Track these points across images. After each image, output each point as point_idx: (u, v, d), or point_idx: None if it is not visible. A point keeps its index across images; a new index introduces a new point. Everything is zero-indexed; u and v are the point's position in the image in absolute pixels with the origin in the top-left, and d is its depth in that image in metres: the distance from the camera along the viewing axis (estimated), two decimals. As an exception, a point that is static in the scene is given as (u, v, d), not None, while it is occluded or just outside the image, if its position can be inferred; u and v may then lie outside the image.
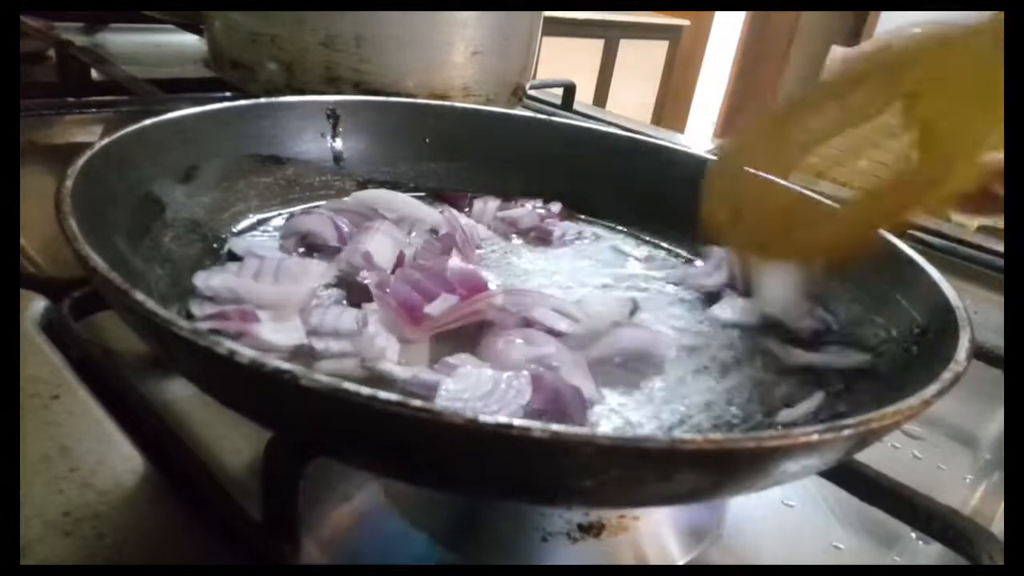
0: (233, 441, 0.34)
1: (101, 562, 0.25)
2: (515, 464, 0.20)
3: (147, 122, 0.38)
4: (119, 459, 0.30)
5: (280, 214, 0.46)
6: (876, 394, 0.33)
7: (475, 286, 0.38)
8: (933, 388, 0.25)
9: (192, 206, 0.40)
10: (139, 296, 0.22)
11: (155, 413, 0.33)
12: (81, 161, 0.31)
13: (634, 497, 0.24)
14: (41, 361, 0.35)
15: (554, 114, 0.82)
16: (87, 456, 0.30)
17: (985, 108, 0.36)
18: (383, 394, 0.19)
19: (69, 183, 0.29)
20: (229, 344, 0.20)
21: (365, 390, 0.19)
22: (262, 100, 0.46)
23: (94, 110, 0.77)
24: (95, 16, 1.00)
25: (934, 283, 0.35)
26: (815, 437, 0.21)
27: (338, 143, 0.50)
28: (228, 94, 0.75)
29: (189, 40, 0.95)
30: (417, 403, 0.19)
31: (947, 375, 0.26)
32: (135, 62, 0.82)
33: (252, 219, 0.44)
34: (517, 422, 0.19)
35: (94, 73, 0.77)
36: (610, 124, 0.79)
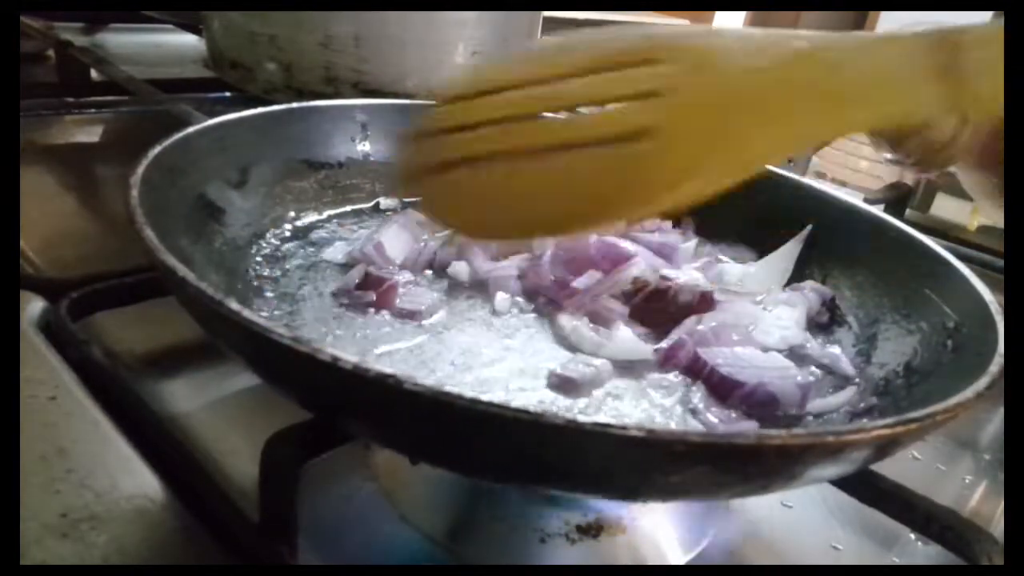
0: (231, 442, 0.34)
1: (98, 563, 0.25)
2: (612, 462, 0.21)
3: (190, 129, 0.39)
4: (116, 460, 0.30)
5: (318, 218, 0.46)
6: (910, 388, 0.34)
7: (616, 258, 0.41)
8: (984, 380, 0.26)
9: (236, 212, 0.41)
10: (234, 306, 0.23)
11: (152, 414, 0.33)
12: (140, 170, 0.32)
13: (710, 491, 0.25)
14: (39, 362, 0.35)
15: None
16: (84, 457, 0.30)
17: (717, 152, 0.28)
18: (485, 398, 0.20)
19: (135, 192, 0.30)
20: (331, 351, 0.21)
21: (468, 394, 0.20)
22: (295, 104, 0.47)
23: (94, 110, 0.77)
24: (95, 16, 1.00)
25: (966, 280, 0.35)
26: (889, 431, 0.22)
27: (366, 146, 0.50)
28: (228, 94, 0.75)
29: (189, 40, 0.95)
30: (517, 406, 0.20)
31: (994, 368, 0.27)
32: (135, 62, 0.82)
33: (291, 222, 0.45)
34: (616, 423, 0.20)
35: (94, 73, 0.76)
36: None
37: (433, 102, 0.32)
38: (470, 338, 0.36)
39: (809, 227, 0.45)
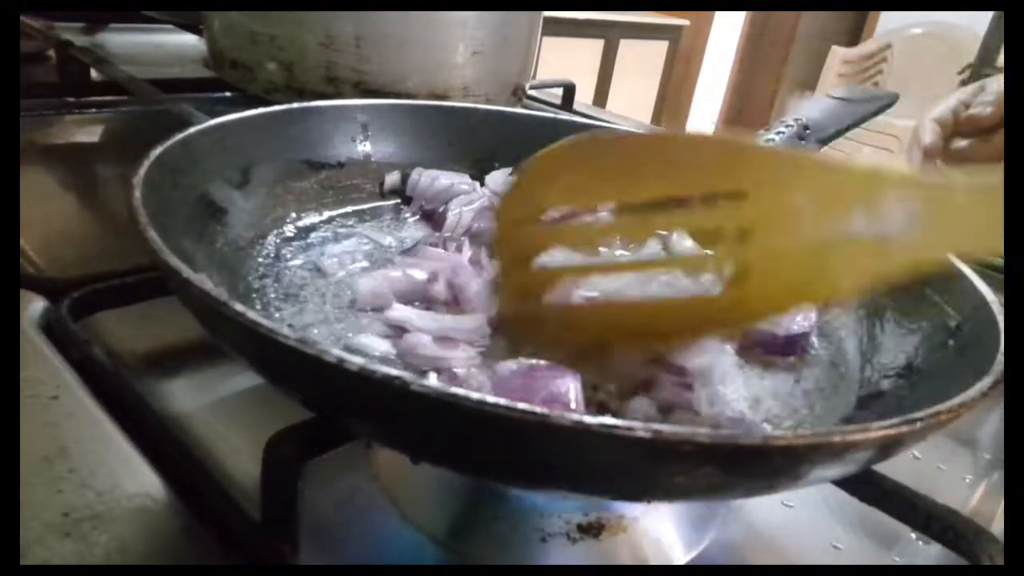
0: (232, 441, 0.34)
1: (100, 562, 0.25)
2: (618, 462, 0.21)
3: (191, 130, 0.38)
4: (118, 460, 0.30)
5: (319, 219, 0.47)
6: (912, 388, 0.34)
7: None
8: (988, 380, 0.26)
9: (238, 212, 0.41)
10: (239, 307, 0.23)
11: (154, 414, 0.33)
12: (143, 170, 0.32)
13: (715, 491, 0.25)
14: (40, 362, 0.35)
15: (556, 114, 0.82)
16: (86, 457, 0.30)
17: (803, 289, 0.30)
18: (491, 399, 0.20)
19: (138, 193, 0.29)
20: (337, 352, 0.21)
21: (474, 395, 0.20)
22: (296, 105, 0.47)
23: (94, 110, 0.77)
24: (95, 16, 1.00)
25: (967, 279, 0.35)
26: (895, 431, 0.22)
27: (367, 146, 0.51)
28: (228, 94, 0.76)
29: (189, 40, 0.95)
30: (523, 406, 0.20)
31: (997, 367, 0.27)
32: (135, 62, 0.82)
33: (293, 223, 0.45)
34: (622, 423, 0.20)
35: (94, 73, 0.76)
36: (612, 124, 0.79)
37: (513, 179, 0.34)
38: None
39: None
